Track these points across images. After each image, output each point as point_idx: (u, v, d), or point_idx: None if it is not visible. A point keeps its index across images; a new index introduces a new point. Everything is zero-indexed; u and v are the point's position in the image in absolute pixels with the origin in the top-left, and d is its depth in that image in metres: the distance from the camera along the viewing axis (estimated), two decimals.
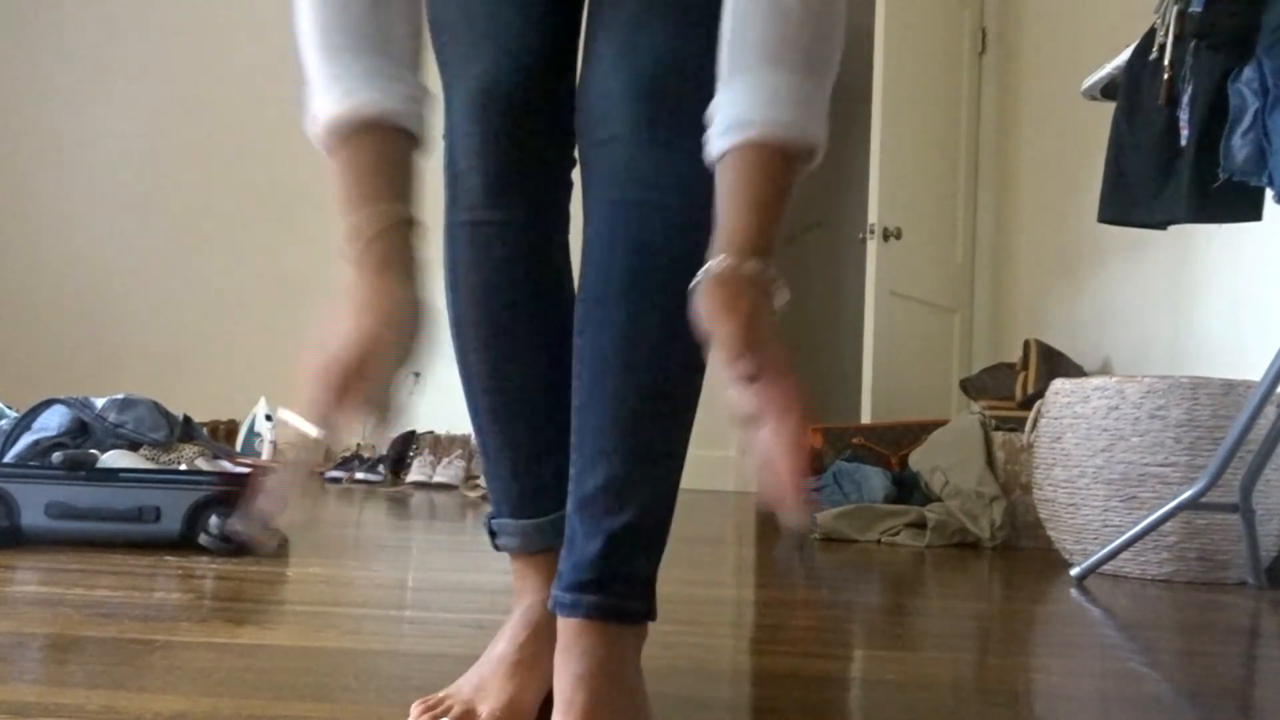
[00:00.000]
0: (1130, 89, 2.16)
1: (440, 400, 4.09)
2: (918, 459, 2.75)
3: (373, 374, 0.64)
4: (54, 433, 1.93)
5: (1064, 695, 1.08)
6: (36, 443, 1.90)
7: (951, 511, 2.53)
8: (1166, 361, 2.72)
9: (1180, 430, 2.03)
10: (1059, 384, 2.27)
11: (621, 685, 0.77)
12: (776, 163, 0.71)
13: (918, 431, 2.96)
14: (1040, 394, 2.49)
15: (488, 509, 0.96)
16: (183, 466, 1.95)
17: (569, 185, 0.91)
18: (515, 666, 0.85)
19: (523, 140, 0.85)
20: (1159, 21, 2.07)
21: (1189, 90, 1.96)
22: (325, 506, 2.75)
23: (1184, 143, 1.97)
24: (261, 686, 0.93)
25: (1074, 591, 1.86)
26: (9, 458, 1.88)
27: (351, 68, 0.70)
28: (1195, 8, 1.91)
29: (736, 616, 1.45)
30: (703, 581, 1.71)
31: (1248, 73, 1.81)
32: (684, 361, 0.79)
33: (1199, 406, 2.03)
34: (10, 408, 2.16)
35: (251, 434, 3.69)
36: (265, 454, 3.59)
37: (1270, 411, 1.94)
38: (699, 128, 0.79)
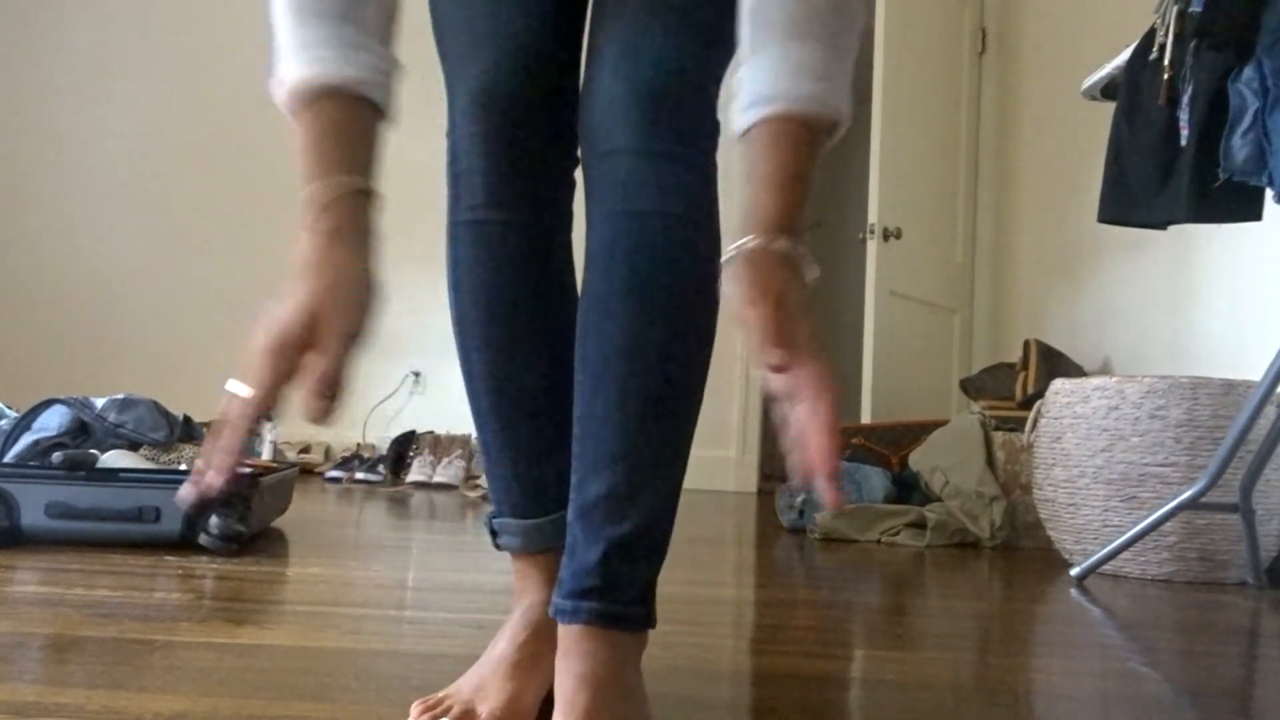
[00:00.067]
0: (1130, 89, 2.16)
1: (440, 400, 4.11)
2: (918, 459, 2.75)
3: (318, 345, 0.64)
4: (54, 433, 1.93)
5: (1064, 695, 1.08)
6: (36, 443, 1.90)
7: (951, 511, 2.53)
8: (1166, 361, 2.72)
9: (1180, 430, 2.03)
10: (1059, 384, 2.27)
11: (622, 686, 0.77)
12: (800, 137, 0.71)
13: (918, 431, 2.96)
14: (1040, 394, 2.49)
15: (488, 509, 0.96)
16: (183, 466, 1.95)
17: (571, 185, 0.91)
18: (515, 667, 0.85)
19: (524, 140, 0.85)
20: (1159, 21, 2.07)
21: (1189, 90, 1.96)
22: (325, 506, 2.75)
23: (1184, 143, 1.97)
24: (261, 686, 0.93)
25: (1074, 591, 1.86)
26: (9, 458, 1.88)
27: (319, 33, 0.70)
28: (1195, 8, 1.92)
29: (736, 616, 1.45)
30: (703, 581, 1.71)
31: (1248, 73, 1.81)
32: (686, 369, 0.79)
33: (1199, 406, 2.03)
34: (10, 408, 2.16)
35: (252, 434, 3.69)
36: (265, 454, 3.59)
37: (1270, 411, 1.94)
38: (701, 135, 0.80)
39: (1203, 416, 2.02)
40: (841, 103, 0.72)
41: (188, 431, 2.10)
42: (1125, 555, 2.04)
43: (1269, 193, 1.85)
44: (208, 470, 0.63)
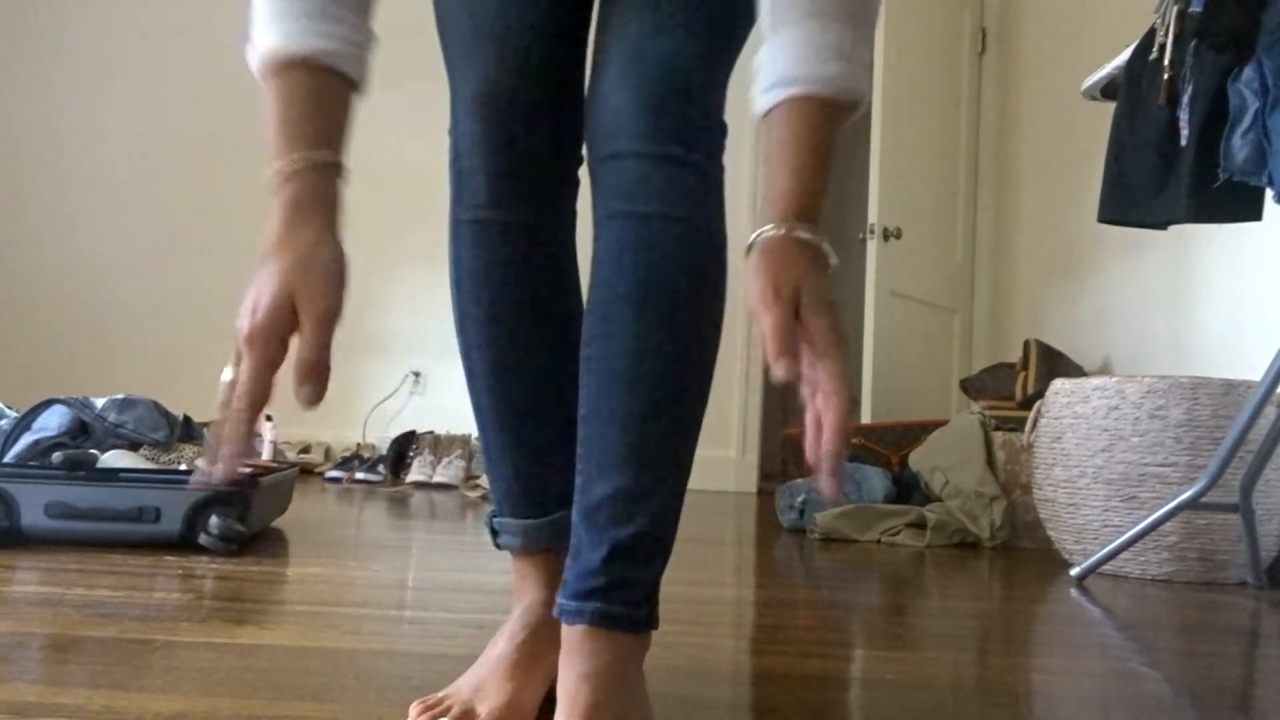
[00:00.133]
0: (1130, 89, 2.16)
1: (440, 400, 4.11)
2: (918, 459, 2.75)
3: (298, 327, 0.66)
4: (54, 433, 1.93)
5: (1064, 695, 1.08)
6: (36, 443, 1.90)
7: (951, 511, 2.53)
8: (1166, 361, 2.72)
9: (1180, 430, 2.03)
10: (1059, 384, 2.27)
11: (624, 686, 0.77)
12: (821, 119, 0.71)
13: (918, 431, 2.96)
14: (1040, 394, 2.49)
15: (488, 509, 0.96)
16: (183, 466, 1.95)
17: (575, 184, 0.90)
18: (514, 667, 0.85)
19: (527, 139, 0.85)
20: (1159, 21, 2.07)
21: (1189, 90, 1.96)
22: (325, 506, 2.75)
23: (1184, 143, 1.97)
24: (261, 686, 0.93)
25: (1074, 591, 1.86)
26: (9, 458, 1.88)
27: (295, 3, 0.71)
28: (1195, 8, 1.92)
29: (736, 616, 1.45)
30: (703, 581, 1.71)
31: (1248, 73, 1.81)
32: (692, 374, 0.79)
33: (1199, 406, 2.03)
34: (10, 408, 2.16)
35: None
36: (265, 454, 3.59)
37: (1270, 411, 1.94)
38: (707, 137, 0.79)
39: (1203, 416, 2.02)
40: (861, 82, 0.72)
41: (188, 431, 2.10)
42: (1125, 555, 2.04)
43: (1269, 193, 1.85)
44: (216, 462, 0.64)
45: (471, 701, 0.83)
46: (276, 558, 1.75)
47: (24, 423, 1.94)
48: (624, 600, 0.78)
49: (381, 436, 3.99)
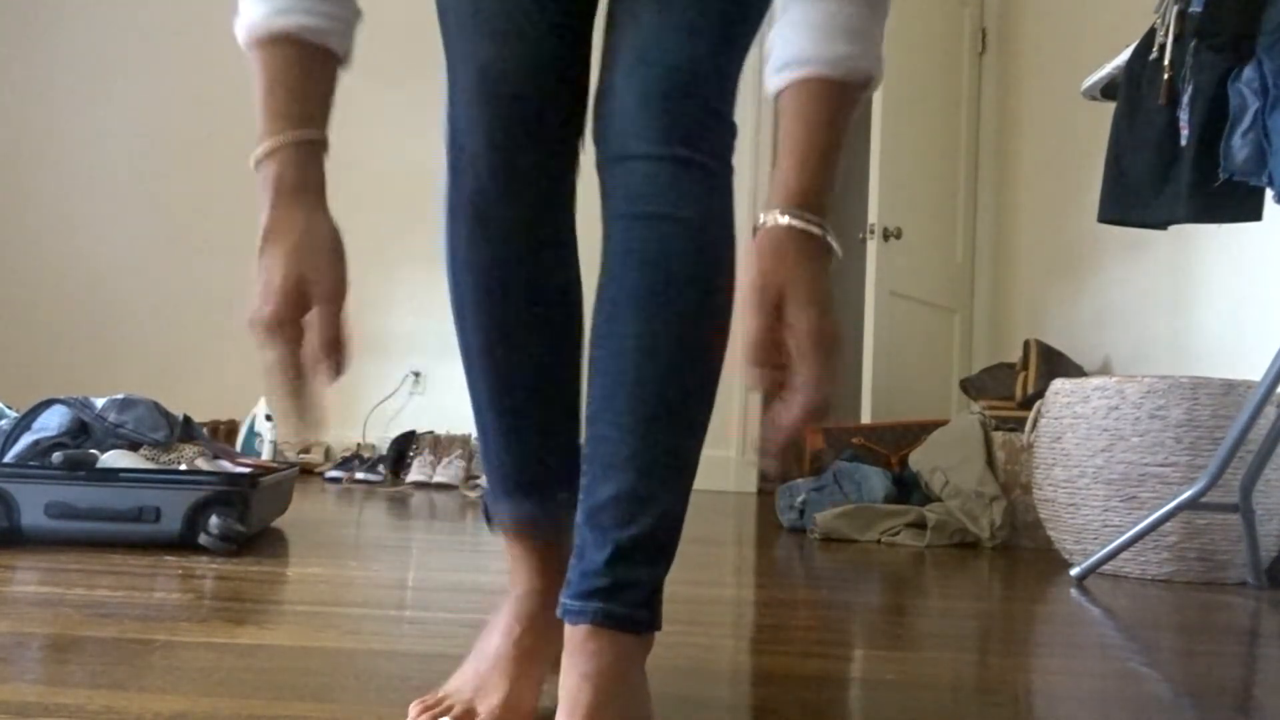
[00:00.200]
0: (1130, 89, 2.16)
1: (440, 400, 4.11)
2: (918, 459, 2.75)
3: (310, 308, 0.69)
4: (54, 433, 1.92)
5: (1064, 695, 1.08)
6: (36, 443, 1.90)
7: (951, 511, 2.53)
8: (1166, 361, 2.72)
9: (1180, 430, 2.03)
10: (1059, 384, 2.27)
11: (626, 686, 0.77)
12: (832, 101, 0.70)
13: (918, 431, 2.96)
14: (1040, 394, 2.49)
15: (499, 528, 0.95)
16: (183, 466, 1.95)
17: (574, 170, 0.87)
18: (512, 663, 0.85)
19: (527, 118, 0.82)
20: (1159, 21, 2.07)
21: (1189, 90, 1.96)
22: (325, 506, 2.75)
23: (1184, 143, 1.97)
24: (261, 686, 0.93)
25: (1074, 591, 1.86)
26: (9, 458, 1.88)
27: None
28: (1195, 8, 1.92)
29: (736, 616, 1.45)
30: (703, 581, 1.71)
31: (1248, 73, 1.81)
32: (698, 376, 0.79)
33: (1199, 406, 2.03)
34: (10, 408, 2.16)
35: (251, 434, 3.69)
36: (265, 454, 3.59)
37: (1270, 411, 1.94)
38: (716, 138, 0.79)
39: (1203, 416, 2.02)
40: (874, 62, 0.71)
41: (188, 431, 2.10)
42: (1125, 555, 2.04)
43: (1269, 193, 1.85)
44: (299, 426, 0.70)
45: (472, 701, 0.83)
46: (276, 558, 1.75)
47: (24, 423, 1.94)
48: (627, 601, 0.78)
49: (381, 436, 3.99)
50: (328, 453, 4.02)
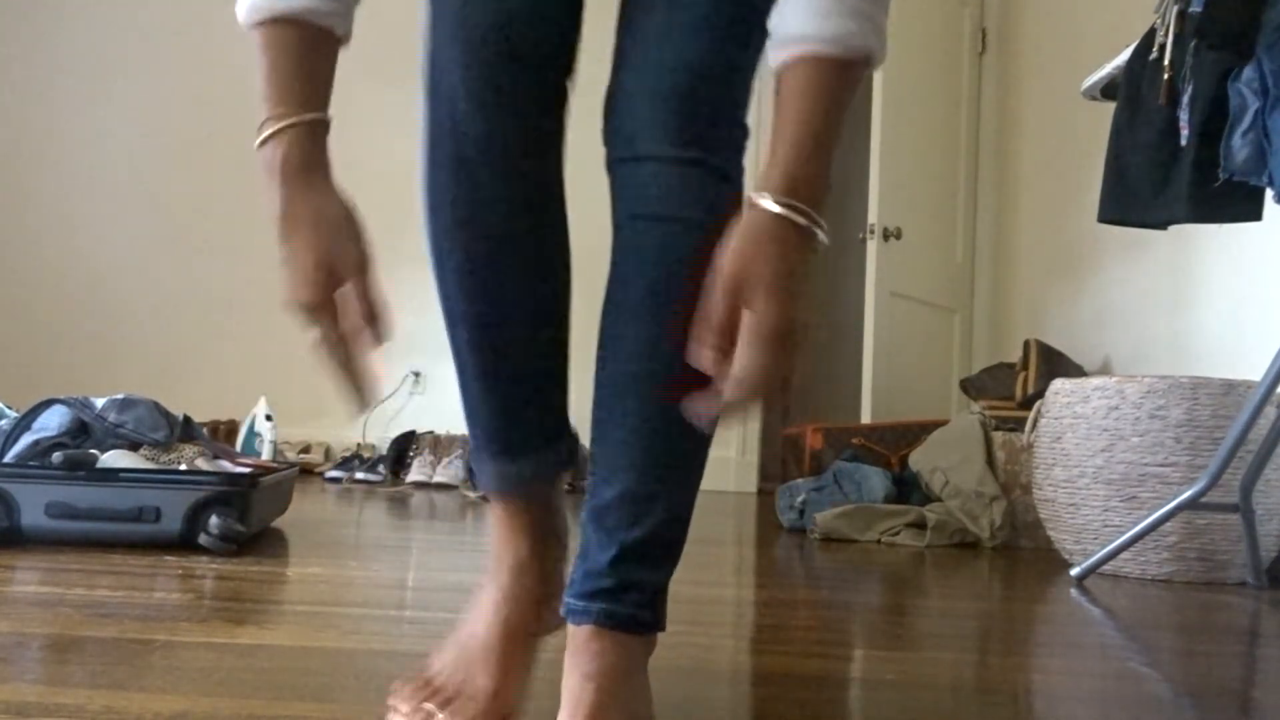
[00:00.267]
0: (1130, 89, 2.16)
1: (440, 400, 4.11)
2: (918, 459, 2.75)
3: (343, 284, 0.71)
4: (54, 433, 1.92)
5: (1064, 695, 1.08)
6: (36, 443, 1.90)
7: (951, 511, 2.53)
8: (1166, 361, 2.72)
9: (1180, 430, 2.03)
10: (1059, 384, 2.27)
11: (628, 687, 0.77)
12: (829, 81, 0.68)
13: (918, 431, 2.97)
14: (1040, 394, 2.49)
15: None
16: (183, 466, 1.95)
17: (563, 100, 0.82)
18: (500, 646, 0.83)
19: (516, 53, 0.77)
20: (1159, 21, 2.07)
21: (1189, 90, 1.96)
22: (325, 506, 2.75)
23: (1184, 143, 1.97)
24: (261, 686, 0.93)
25: (1074, 591, 1.86)
26: (9, 458, 1.88)
27: None
28: (1195, 7, 1.92)
29: (736, 616, 1.44)
30: (703, 581, 1.71)
31: (1248, 73, 1.81)
32: (704, 379, 0.78)
33: (1199, 406, 2.03)
34: (10, 408, 2.16)
35: (251, 434, 3.69)
36: (265, 454, 3.59)
37: (1270, 411, 1.94)
38: (727, 140, 0.78)
39: (1203, 416, 2.02)
40: (874, 39, 0.69)
41: (188, 431, 2.10)
42: (1125, 555, 2.04)
43: (1269, 193, 1.85)
44: (357, 398, 0.72)
45: (459, 687, 0.82)
46: (276, 558, 1.75)
47: (24, 423, 1.94)
48: (631, 602, 0.78)
49: (381, 436, 3.99)
50: (328, 453, 4.02)
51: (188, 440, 2.07)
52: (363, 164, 3.92)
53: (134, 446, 1.97)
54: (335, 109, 0.77)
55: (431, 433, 3.84)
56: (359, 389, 0.73)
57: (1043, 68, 3.65)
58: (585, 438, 0.83)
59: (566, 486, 3.47)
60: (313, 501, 2.84)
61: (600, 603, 0.77)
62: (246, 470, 1.98)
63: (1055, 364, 2.88)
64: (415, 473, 3.60)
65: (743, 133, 0.80)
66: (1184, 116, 1.97)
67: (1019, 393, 2.89)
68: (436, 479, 3.55)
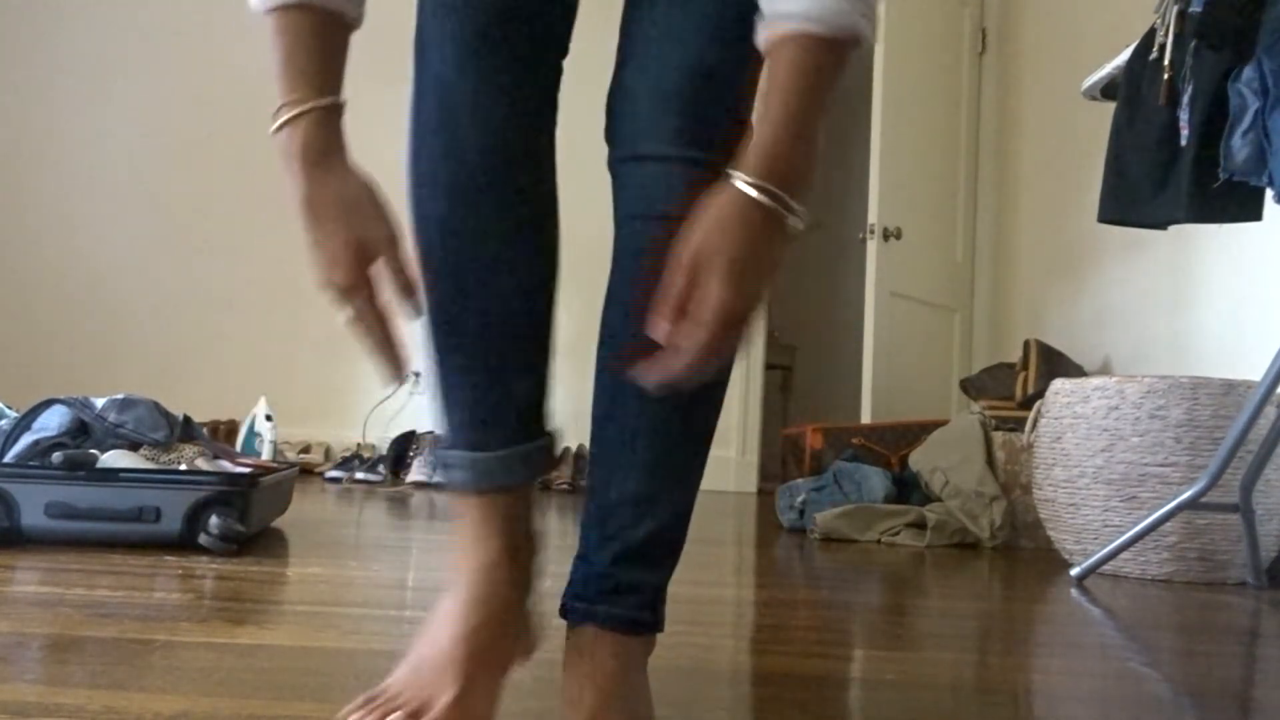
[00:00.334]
0: (1130, 89, 2.16)
1: None
2: (918, 459, 2.75)
3: (375, 261, 0.72)
4: (54, 433, 1.92)
5: (1064, 695, 1.08)
6: (36, 443, 1.90)
7: (951, 511, 2.53)
8: (1166, 361, 2.72)
9: (1180, 430, 2.03)
10: (1059, 384, 2.27)
11: (628, 687, 0.77)
12: (812, 60, 0.66)
13: (918, 431, 2.97)
14: (1040, 394, 2.49)
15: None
16: (183, 466, 1.95)
17: (557, 68, 0.80)
18: (468, 659, 0.75)
19: (509, 43, 0.75)
20: (1159, 21, 2.07)
21: (1189, 90, 1.96)
22: (325, 506, 2.75)
23: (1184, 143, 1.97)
24: (261, 686, 0.93)
25: (1074, 591, 1.86)
26: (9, 458, 1.88)
27: None
28: (1195, 8, 1.92)
29: (736, 616, 1.44)
30: (703, 581, 1.71)
31: (1248, 73, 1.82)
32: (705, 381, 0.78)
33: (1199, 406, 2.03)
34: (10, 408, 2.16)
35: (251, 434, 3.69)
36: (265, 454, 3.59)
37: (1270, 411, 1.94)
38: (729, 139, 0.78)
39: (1203, 416, 2.02)
40: (863, 20, 0.67)
41: (188, 431, 2.10)
42: (1125, 555, 2.04)
43: (1269, 193, 1.85)
44: (393, 372, 0.73)
45: (423, 703, 0.74)
46: (276, 558, 1.75)
47: (24, 423, 1.94)
48: (630, 603, 0.78)
49: (381, 436, 3.99)
50: (328, 453, 4.02)
51: (188, 440, 2.07)
52: (364, 163, 3.93)
53: (134, 446, 1.97)
54: None
55: (431, 433, 3.84)
56: (395, 362, 0.73)
57: (1043, 68, 3.65)
58: (585, 438, 0.82)
59: (567, 486, 3.51)
60: (313, 501, 2.84)
61: (600, 604, 0.77)
62: (246, 470, 1.98)
63: (1055, 364, 2.88)
64: (415, 473, 3.60)
65: (747, 133, 0.79)
66: (1184, 116, 1.97)
67: (1019, 393, 2.89)
68: (436, 479, 3.55)
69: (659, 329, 0.66)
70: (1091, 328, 3.16)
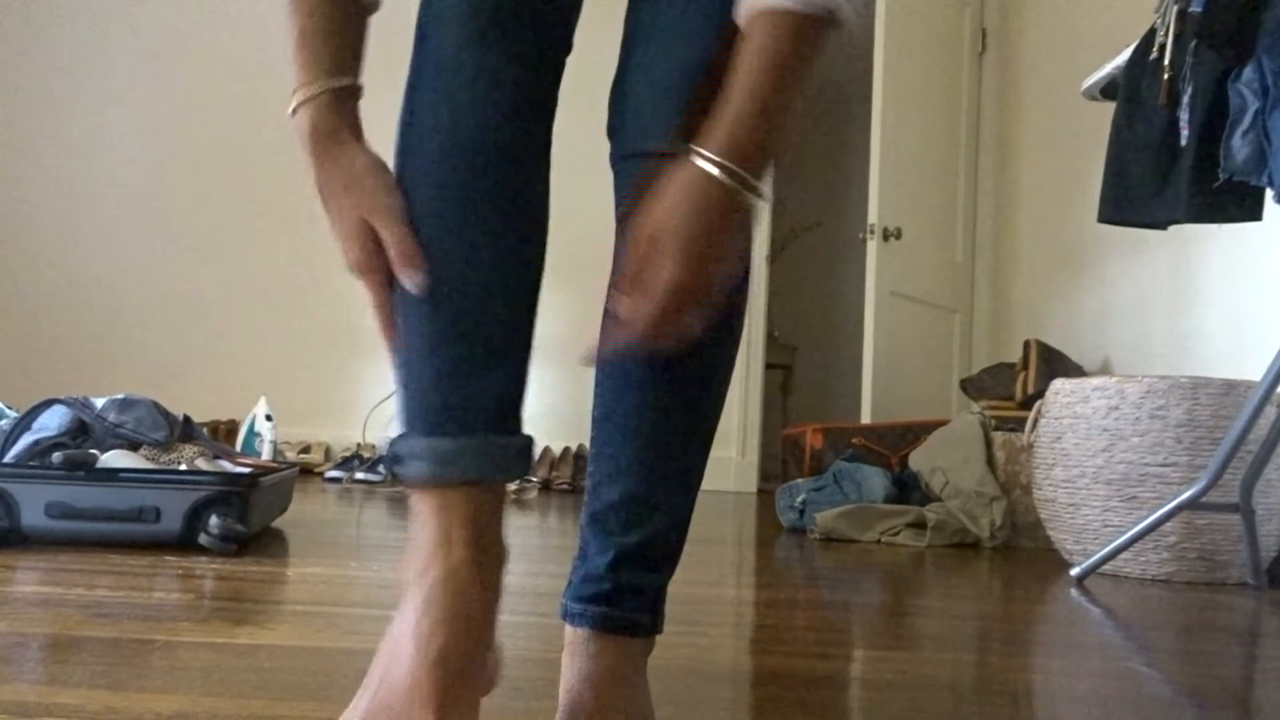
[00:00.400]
0: (1130, 89, 2.16)
1: None
2: (918, 459, 2.75)
3: (380, 234, 0.71)
4: (54, 433, 1.92)
5: (1064, 695, 1.08)
6: (36, 443, 1.90)
7: (951, 511, 2.53)
8: (1166, 361, 2.72)
9: (1180, 430, 2.03)
10: (1059, 384, 2.27)
11: (627, 688, 0.77)
12: (787, 36, 0.65)
13: (918, 431, 2.97)
14: (1040, 394, 2.49)
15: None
16: (183, 466, 1.95)
17: (571, 28, 0.78)
18: (433, 687, 0.63)
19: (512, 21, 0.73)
20: (1159, 21, 2.07)
21: (1189, 90, 1.96)
22: (325, 506, 2.75)
23: (1184, 143, 1.97)
24: (261, 686, 0.93)
25: (1074, 591, 1.86)
26: (9, 458, 1.88)
27: None
28: (1195, 8, 1.92)
29: (736, 616, 1.44)
30: (703, 581, 1.71)
31: (1248, 73, 1.82)
32: (706, 383, 0.78)
33: (1199, 406, 2.03)
34: (10, 408, 2.16)
35: (251, 434, 3.69)
36: (265, 454, 3.59)
37: (1270, 411, 1.94)
38: None
39: (1203, 416, 2.02)
40: (839, 1, 0.65)
41: (188, 431, 2.10)
42: (1125, 555, 2.04)
43: (1269, 193, 1.85)
44: (393, 342, 0.73)
45: None
46: (276, 558, 1.75)
47: (24, 423, 1.94)
48: (629, 605, 0.78)
49: (381, 436, 3.99)
50: (328, 453, 4.01)
51: (188, 440, 2.07)
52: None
53: (134, 446, 1.97)
54: None
55: None
56: (393, 338, 0.74)
57: (1043, 68, 3.65)
58: (585, 438, 0.82)
59: (567, 486, 3.50)
60: (313, 501, 2.84)
61: (598, 606, 0.77)
62: (246, 470, 1.98)
63: (1055, 364, 2.88)
64: None
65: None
66: (1184, 116, 1.97)
67: (1019, 393, 2.90)
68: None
69: (619, 304, 0.66)
70: (1091, 328, 3.16)
